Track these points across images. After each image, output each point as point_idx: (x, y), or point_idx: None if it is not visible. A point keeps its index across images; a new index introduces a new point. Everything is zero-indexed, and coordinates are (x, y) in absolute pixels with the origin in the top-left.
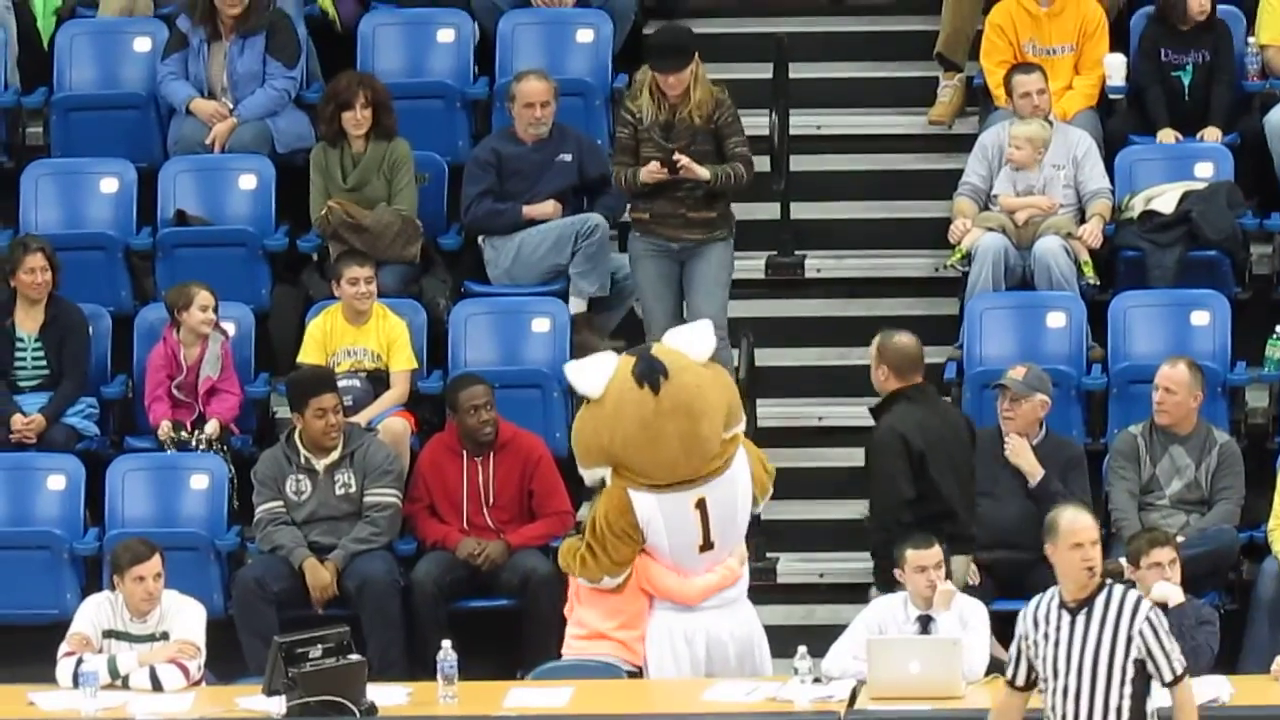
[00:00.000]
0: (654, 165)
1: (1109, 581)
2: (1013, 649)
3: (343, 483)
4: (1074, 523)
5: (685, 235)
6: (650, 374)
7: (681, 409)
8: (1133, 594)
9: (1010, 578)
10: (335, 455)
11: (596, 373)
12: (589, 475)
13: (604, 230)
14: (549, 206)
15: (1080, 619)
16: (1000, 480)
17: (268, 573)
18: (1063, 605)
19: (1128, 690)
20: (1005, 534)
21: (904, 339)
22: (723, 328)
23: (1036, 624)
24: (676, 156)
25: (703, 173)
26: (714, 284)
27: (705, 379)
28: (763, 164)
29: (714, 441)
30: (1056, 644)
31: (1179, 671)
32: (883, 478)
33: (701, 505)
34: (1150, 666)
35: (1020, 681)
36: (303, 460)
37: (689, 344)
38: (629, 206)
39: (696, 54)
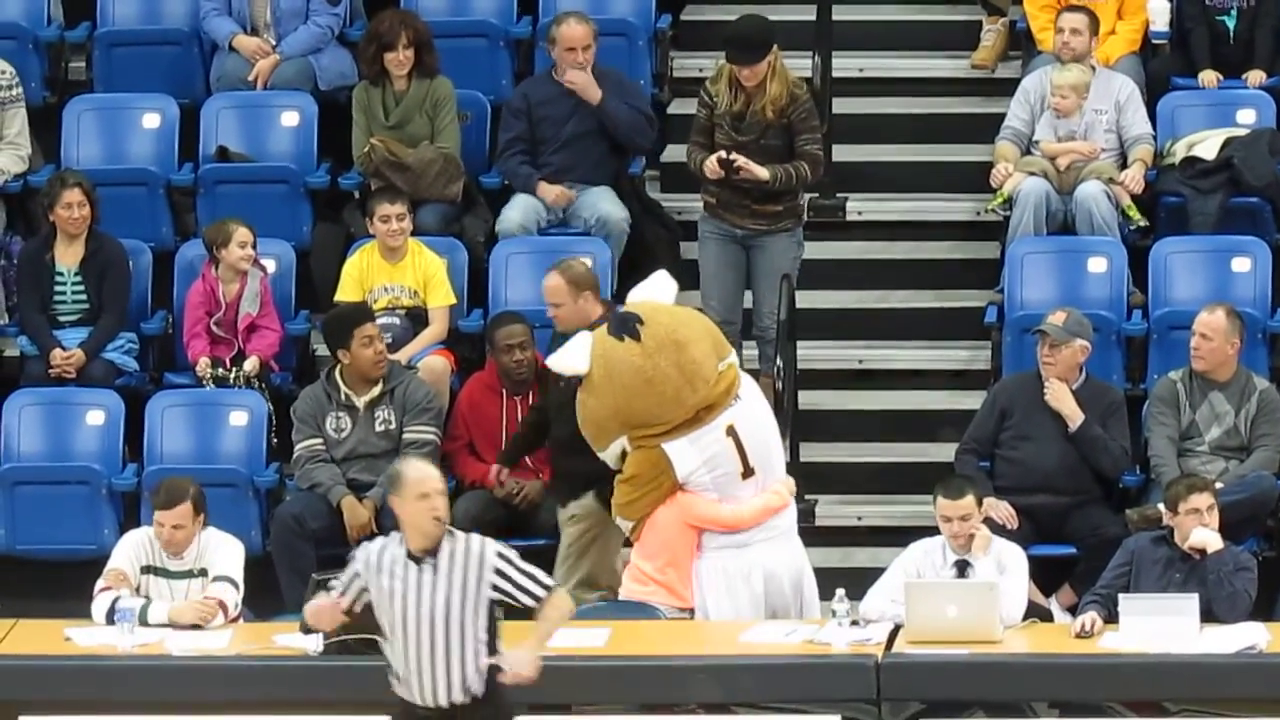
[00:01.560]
0: (713, 162)
1: (452, 530)
2: (345, 578)
3: (382, 419)
4: (421, 473)
5: (750, 224)
6: (626, 325)
7: (668, 343)
8: (477, 539)
9: (1049, 522)
10: (376, 391)
11: (576, 350)
12: (609, 455)
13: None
14: (555, 190)
15: (427, 570)
16: (1040, 424)
17: (306, 510)
18: (409, 555)
19: (483, 636)
20: (1045, 478)
21: (581, 262)
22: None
23: (380, 569)
24: (733, 157)
25: (761, 173)
26: (777, 274)
27: (679, 313)
28: None
29: (709, 365)
30: (404, 595)
31: (549, 585)
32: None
33: (733, 432)
34: (519, 602)
35: (345, 606)
36: (343, 397)
37: (652, 294)
38: (701, 188)
39: (775, 46)
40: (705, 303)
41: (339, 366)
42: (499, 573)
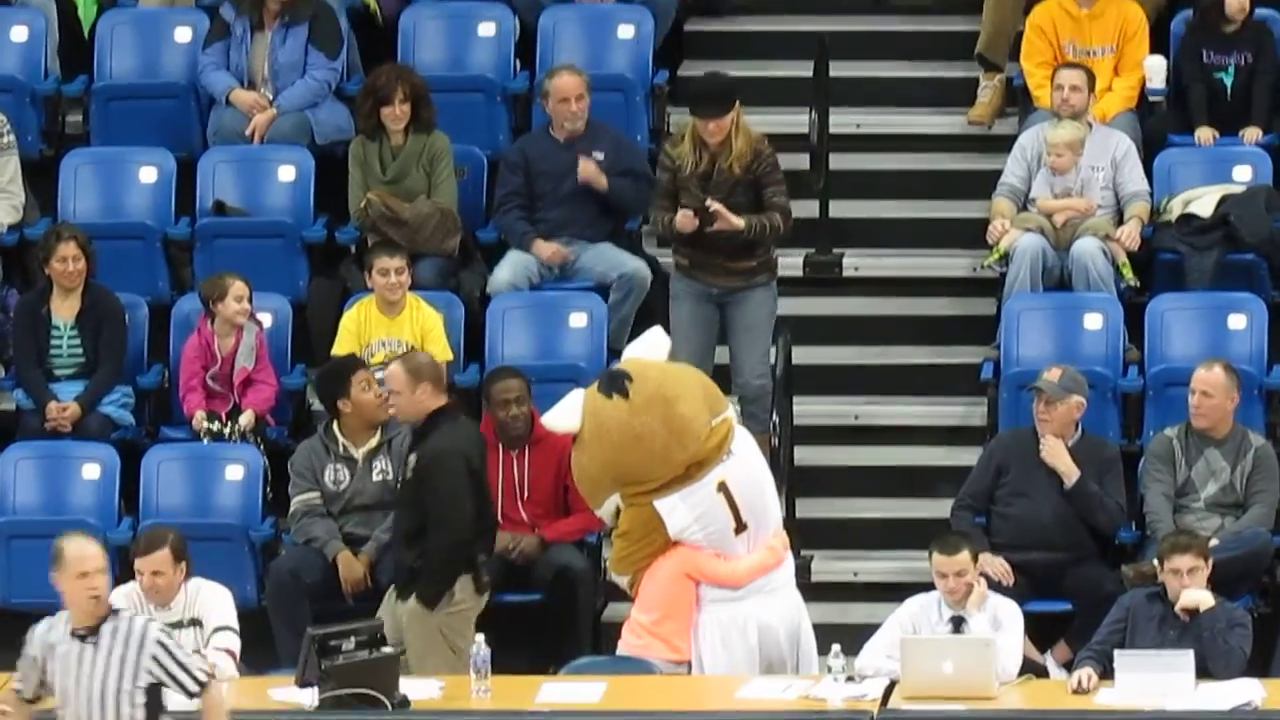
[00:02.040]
0: (685, 214)
1: (117, 609)
2: (22, 666)
3: (380, 469)
4: (81, 551)
5: (724, 282)
6: (614, 382)
7: (656, 399)
8: (140, 620)
9: (1045, 578)
10: (374, 441)
11: (568, 409)
12: (603, 512)
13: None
14: (551, 248)
15: (89, 647)
16: (1036, 481)
17: (301, 564)
18: (73, 633)
19: (140, 716)
20: (1041, 534)
21: (427, 355)
22: (765, 375)
23: (50, 647)
24: (710, 204)
25: (737, 222)
26: (755, 328)
27: (670, 370)
28: (802, 162)
29: (699, 421)
30: (66, 670)
31: (202, 680)
32: (451, 496)
33: (724, 489)
34: (174, 688)
35: (29, 695)
36: (341, 449)
37: (644, 351)
38: (671, 249)
39: (738, 102)
40: (675, 360)
41: (337, 419)
42: (155, 659)
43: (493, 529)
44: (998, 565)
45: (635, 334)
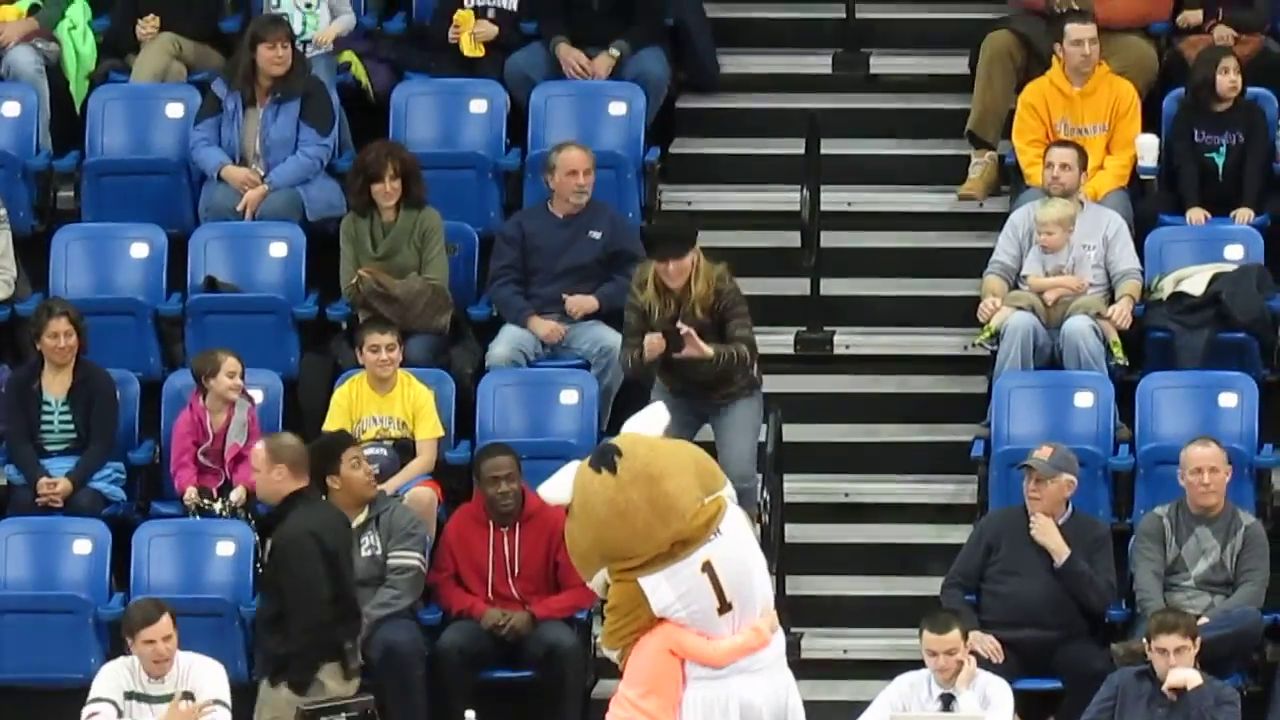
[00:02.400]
0: (654, 339)
1: None
2: None
3: (368, 544)
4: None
5: (707, 399)
6: (604, 457)
7: (641, 476)
8: None
9: (1035, 656)
10: (362, 518)
11: (560, 481)
12: (595, 585)
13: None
14: (549, 326)
15: None
16: (1026, 559)
17: None
18: None
19: None
20: (1031, 612)
21: (292, 438)
22: (751, 478)
23: None
24: (681, 326)
25: (706, 350)
26: (740, 435)
27: (662, 446)
28: (793, 240)
29: (685, 499)
30: None
31: None
32: (304, 580)
33: (709, 568)
34: None
35: None
36: None
37: (643, 425)
38: (657, 374)
39: (696, 244)
40: None
41: (326, 495)
42: None
43: (355, 613)
44: (988, 643)
45: (622, 410)
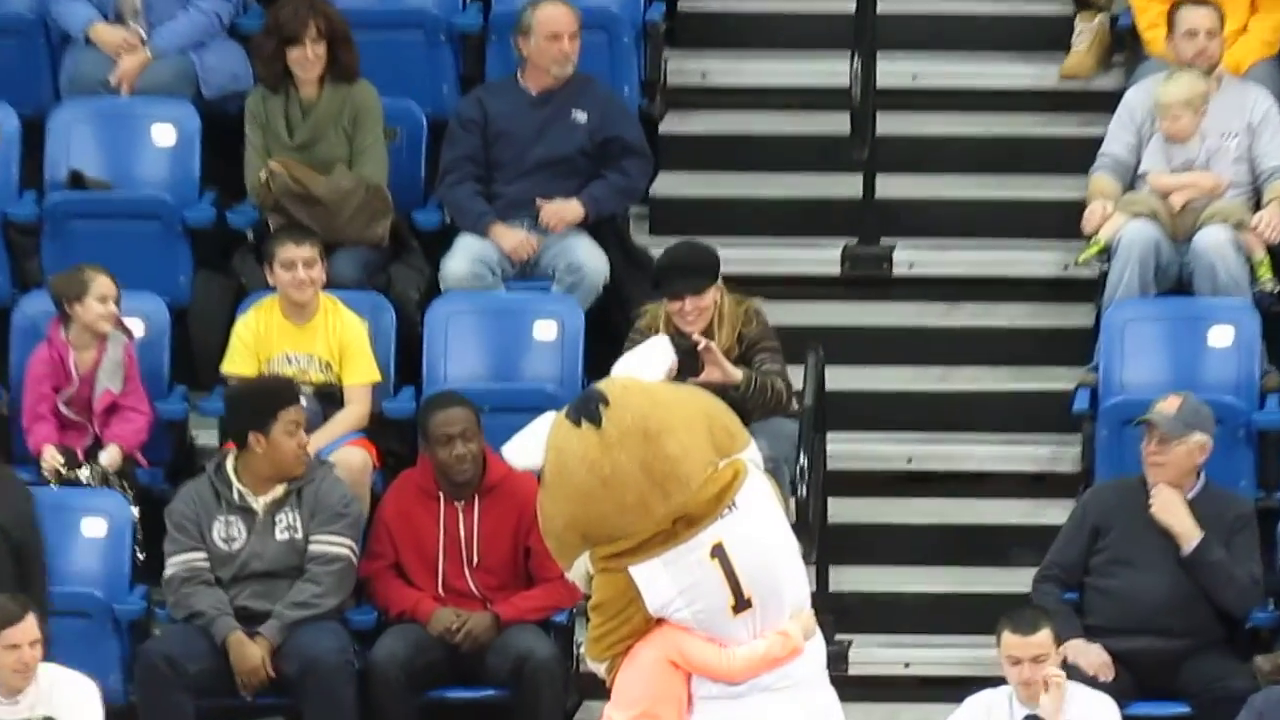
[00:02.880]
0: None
1: None
2: None
3: (286, 524)
4: None
5: None
6: (586, 408)
7: (633, 432)
8: None
9: (1155, 672)
10: (280, 491)
11: (531, 440)
12: (575, 576)
13: None
14: (517, 237)
15: None
16: (1144, 545)
17: (183, 648)
18: None
19: None
20: (1150, 615)
21: None
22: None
23: None
24: (699, 341)
25: (734, 372)
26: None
27: (662, 395)
28: (841, 124)
29: (691, 464)
30: None
31: None
32: None
33: (719, 552)
34: None
35: None
36: (237, 497)
37: (637, 366)
38: None
39: (719, 277)
40: None
41: (234, 457)
42: None
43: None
44: (1093, 655)
45: (596, 360)
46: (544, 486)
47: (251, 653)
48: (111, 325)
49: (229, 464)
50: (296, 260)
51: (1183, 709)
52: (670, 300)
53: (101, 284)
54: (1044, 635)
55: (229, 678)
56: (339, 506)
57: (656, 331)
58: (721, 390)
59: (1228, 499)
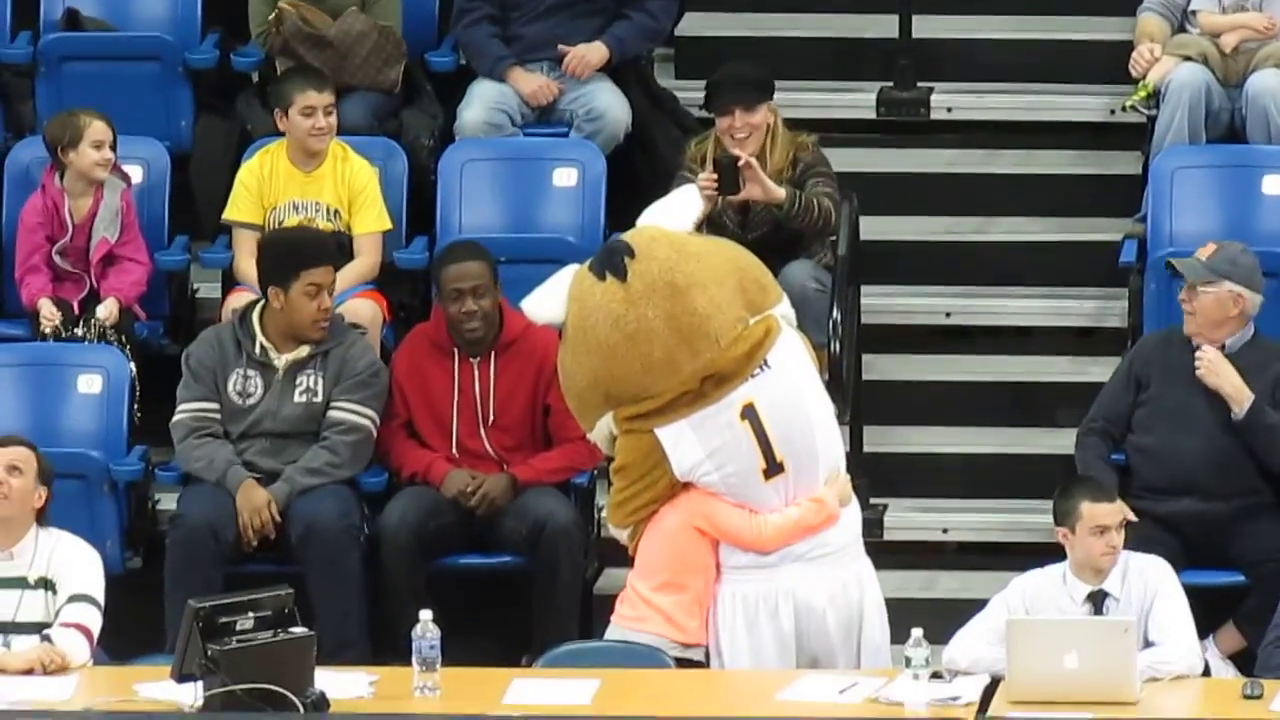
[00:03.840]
0: (704, 177)
1: None
2: None
3: (305, 386)
4: None
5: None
6: (610, 259)
7: (659, 286)
8: None
9: (1203, 537)
10: (304, 351)
11: (551, 294)
12: (597, 436)
13: None
14: (537, 81)
15: None
16: (1182, 400)
17: (220, 515)
18: None
19: None
20: (1189, 474)
21: None
22: (822, 280)
23: None
24: (739, 157)
25: (776, 190)
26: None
27: (690, 247)
28: None
29: (721, 319)
30: None
31: None
32: None
33: (750, 413)
34: None
35: None
36: (258, 350)
37: (664, 214)
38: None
39: (773, 98)
40: None
41: (262, 307)
42: None
43: None
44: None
45: (619, 209)
46: (565, 342)
47: (258, 494)
48: (107, 172)
49: (255, 314)
50: (317, 107)
51: (1236, 578)
52: (720, 115)
53: (97, 129)
54: (1120, 502)
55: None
56: (365, 374)
57: (705, 161)
58: (765, 217)
59: (1273, 351)
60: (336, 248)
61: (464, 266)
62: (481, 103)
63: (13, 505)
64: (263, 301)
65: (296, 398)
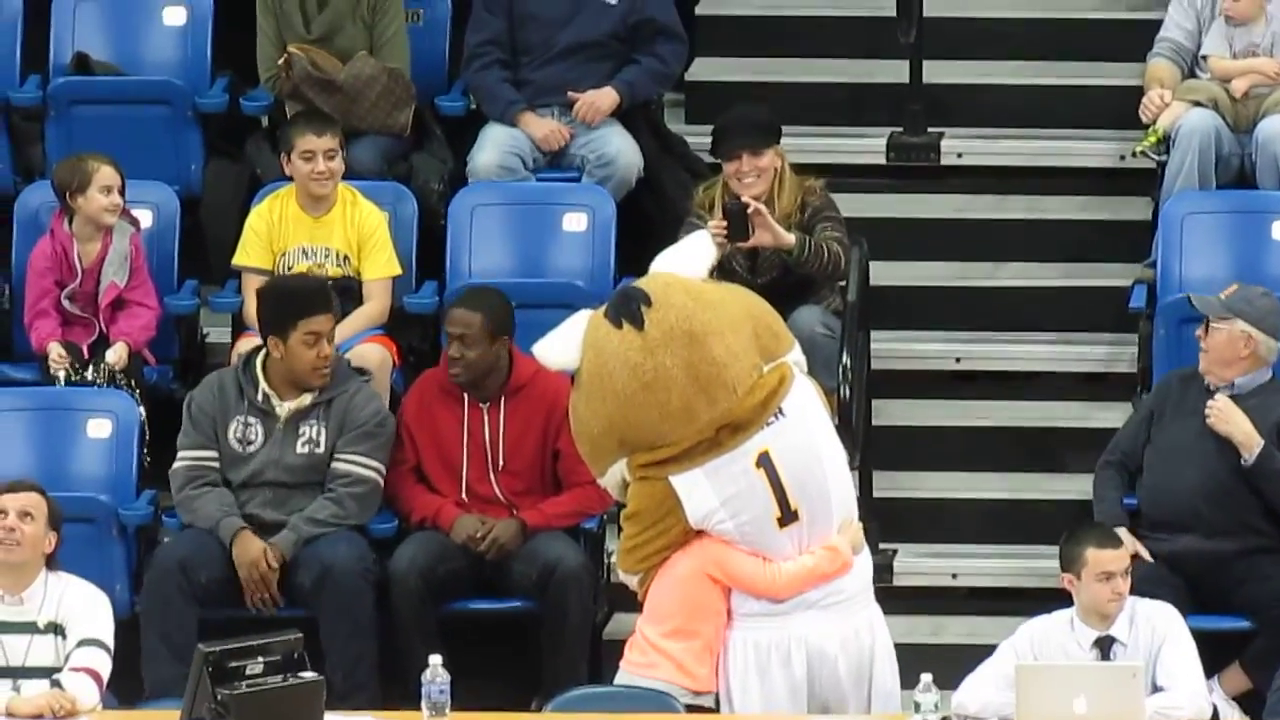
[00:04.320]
0: (714, 223)
1: None
2: None
3: (308, 437)
4: None
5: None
6: (626, 307)
7: (677, 334)
8: None
9: (1206, 578)
10: (306, 400)
11: (564, 339)
12: (609, 483)
13: None
14: (548, 125)
15: None
16: (1184, 437)
17: (195, 555)
18: None
19: None
20: (1186, 509)
21: None
22: (830, 328)
23: None
24: (748, 203)
25: (785, 236)
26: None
27: (706, 295)
28: (887, 5)
29: (738, 367)
30: None
31: None
32: None
33: (765, 461)
34: None
35: None
36: (260, 398)
37: (678, 263)
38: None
39: (780, 143)
40: None
41: (263, 355)
42: None
43: None
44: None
45: (628, 254)
46: (579, 388)
47: (254, 546)
48: (115, 217)
49: (258, 361)
50: (317, 151)
51: (1241, 623)
52: (726, 161)
53: (105, 174)
54: (1125, 549)
55: (237, 588)
56: (371, 424)
57: (712, 207)
58: (774, 264)
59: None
60: (344, 292)
61: (458, 312)
62: (495, 146)
63: (24, 551)
64: (261, 350)
65: (299, 448)
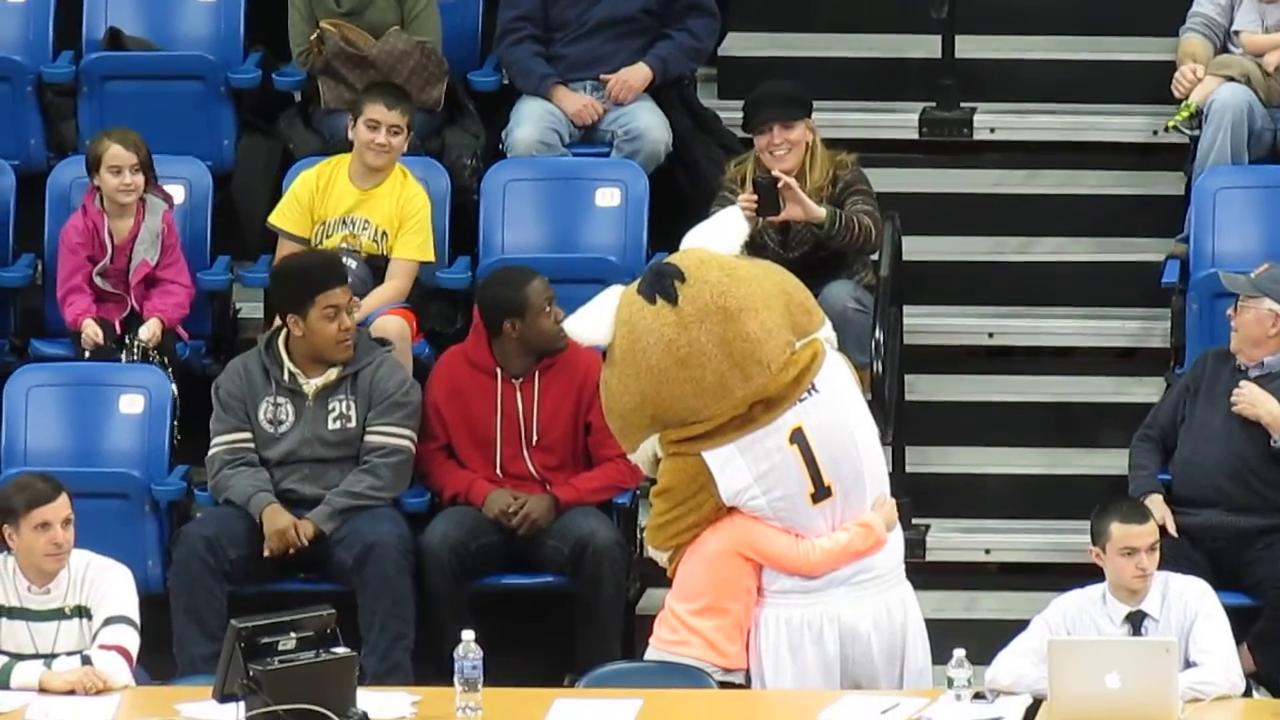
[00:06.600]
0: (744, 198)
1: None
2: None
3: (338, 413)
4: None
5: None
6: (660, 282)
7: (712, 310)
8: None
9: (1227, 553)
10: (332, 375)
11: (596, 315)
12: (640, 458)
13: None
14: (581, 100)
15: None
16: (1210, 413)
17: (223, 532)
18: None
19: None
20: (1209, 483)
21: None
22: (863, 303)
23: None
24: (779, 178)
25: (815, 209)
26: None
27: (740, 270)
28: None
29: (772, 344)
30: None
31: None
32: None
33: (799, 437)
34: None
35: None
36: (286, 377)
37: (711, 238)
38: None
39: (811, 116)
40: None
41: (285, 334)
42: None
43: None
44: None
45: (661, 229)
46: (611, 364)
47: (282, 517)
48: (130, 198)
49: (280, 341)
50: (382, 123)
51: (1247, 600)
52: (758, 133)
53: (113, 154)
54: (1152, 524)
55: (265, 565)
56: (398, 394)
57: (744, 182)
58: (805, 238)
59: None
60: (376, 270)
61: (536, 284)
62: (533, 121)
63: (67, 557)
64: (282, 330)
65: (331, 424)
